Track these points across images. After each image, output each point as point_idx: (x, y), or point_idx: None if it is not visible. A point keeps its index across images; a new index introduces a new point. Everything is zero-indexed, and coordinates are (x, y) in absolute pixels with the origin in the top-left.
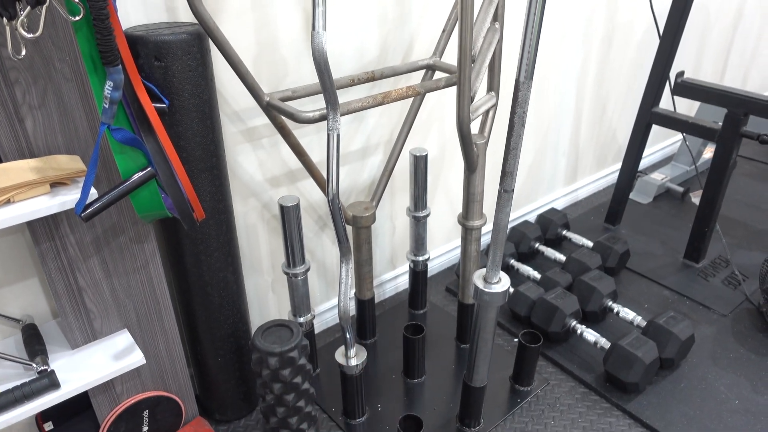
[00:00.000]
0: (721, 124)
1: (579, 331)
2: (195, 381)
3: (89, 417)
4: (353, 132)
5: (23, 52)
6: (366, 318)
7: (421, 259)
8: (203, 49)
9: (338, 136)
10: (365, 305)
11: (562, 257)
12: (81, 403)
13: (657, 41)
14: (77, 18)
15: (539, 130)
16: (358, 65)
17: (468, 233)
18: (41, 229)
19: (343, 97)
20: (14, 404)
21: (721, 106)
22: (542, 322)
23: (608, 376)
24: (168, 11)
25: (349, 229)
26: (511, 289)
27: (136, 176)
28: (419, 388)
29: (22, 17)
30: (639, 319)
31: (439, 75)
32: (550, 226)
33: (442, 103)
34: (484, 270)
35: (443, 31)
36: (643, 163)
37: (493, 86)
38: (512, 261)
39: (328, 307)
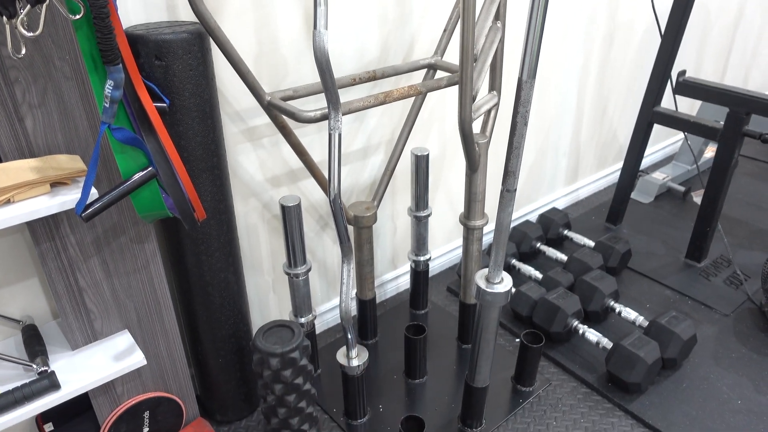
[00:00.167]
0: (722, 123)
1: (581, 331)
2: (196, 381)
3: (90, 418)
4: (354, 132)
5: (23, 51)
6: (367, 318)
7: (422, 258)
8: (204, 49)
9: (340, 135)
10: (366, 305)
11: (563, 257)
12: (82, 404)
13: (658, 40)
14: (77, 16)
15: (540, 129)
16: (360, 65)
17: (470, 233)
18: (41, 229)
19: (345, 96)
20: (14, 405)
21: (723, 105)
22: (544, 322)
23: (610, 377)
24: (168, 10)
25: (350, 229)
26: (513, 289)
27: (136, 176)
28: (421, 389)
29: (21, 16)
30: (641, 319)
31: (440, 74)
32: (552, 226)
33: (443, 103)
34: (486, 270)
35: (444, 30)
36: (645, 163)
37: (494, 86)
38: (514, 261)
39: (330, 307)
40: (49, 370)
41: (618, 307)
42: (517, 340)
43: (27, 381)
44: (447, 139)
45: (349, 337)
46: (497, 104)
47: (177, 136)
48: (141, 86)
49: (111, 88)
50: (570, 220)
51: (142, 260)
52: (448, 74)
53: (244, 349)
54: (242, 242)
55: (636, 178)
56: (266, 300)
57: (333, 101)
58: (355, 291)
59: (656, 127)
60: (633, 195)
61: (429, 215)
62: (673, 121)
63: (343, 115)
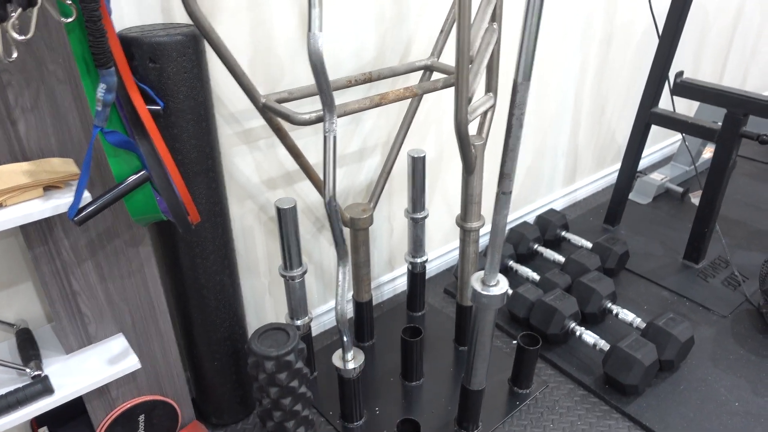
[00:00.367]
0: (720, 124)
1: (578, 333)
2: (191, 385)
3: (85, 422)
4: (351, 134)
5: (15, 54)
6: (364, 320)
7: (419, 260)
8: (198, 51)
9: (335, 137)
10: (363, 307)
11: (561, 258)
12: (77, 408)
13: (656, 41)
14: (69, 20)
15: (538, 130)
16: (356, 66)
17: (466, 235)
18: (35, 233)
19: (341, 98)
20: (7, 410)
21: (720, 106)
22: (541, 324)
23: (607, 379)
24: (163, 12)
25: (346, 231)
26: (510, 291)
27: (129, 179)
28: (417, 391)
29: (13, 19)
30: (638, 321)
31: (437, 76)
32: (549, 227)
33: (440, 104)
34: (482, 272)
35: (441, 31)
36: (643, 163)
37: (491, 87)
38: (511, 262)
39: (326, 309)
40: (42, 375)
41: (615, 308)
42: (514, 342)
43: (20, 385)
44: (444, 141)
45: (345, 339)
46: (494, 106)
47: (171, 138)
48: (134, 89)
49: (103, 91)
50: (568, 221)
51: (136, 264)
52: (444, 76)
53: (239, 351)
54: (238, 244)
55: (634, 179)
56: (262, 302)
57: (328, 103)
58: (351, 293)
59: (655, 128)
60: (631, 196)
61: (426, 217)
62: (671, 122)
63: (338, 117)
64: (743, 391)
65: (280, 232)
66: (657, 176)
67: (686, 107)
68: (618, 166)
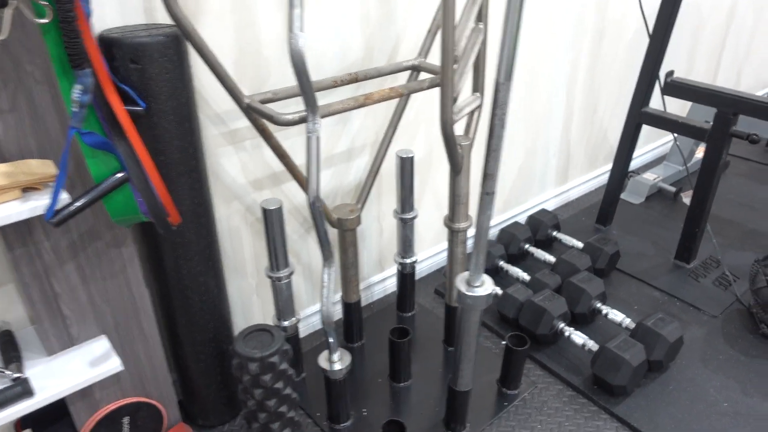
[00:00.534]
0: (711, 123)
1: (567, 334)
2: (178, 386)
3: (69, 423)
4: (339, 134)
5: None
6: (353, 321)
7: (408, 261)
8: (181, 51)
9: (318, 138)
10: (351, 308)
11: (552, 259)
12: (62, 409)
13: (648, 40)
14: (45, 21)
15: (529, 130)
16: (342, 66)
17: (454, 236)
18: (14, 235)
19: (327, 98)
20: None
21: (710, 105)
22: (530, 325)
23: (596, 379)
24: (146, 13)
25: (334, 231)
26: (500, 291)
27: (108, 181)
28: (406, 392)
29: None
30: (628, 321)
31: (424, 76)
32: (541, 227)
33: (429, 104)
34: (467, 273)
35: (428, 31)
36: (636, 163)
37: (478, 87)
38: (501, 263)
39: (315, 310)
40: (23, 377)
41: (605, 309)
42: (503, 342)
43: (0, 387)
44: (434, 141)
45: (331, 340)
46: (480, 106)
47: (153, 139)
48: (111, 90)
49: (79, 92)
50: (560, 221)
51: (119, 265)
52: (431, 76)
53: (225, 353)
54: (225, 245)
55: (626, 178)
56: (250, 303)
57: (310, 104)
58: (340, 294)
59: (648, 128)
60: (624, 196)
61: (415, 217)
62: (662, 121)
63: (322, 117)
64: (732, 391)
65: (266, 232)
66: (650, 176)
67: (680, 106)
68: (611, 165)
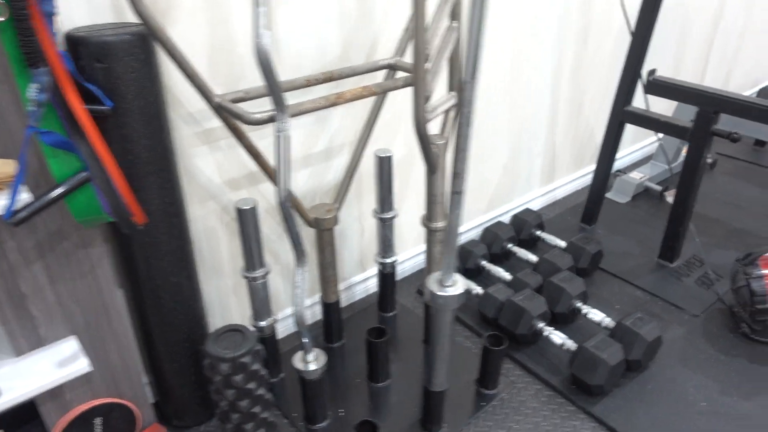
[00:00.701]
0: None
1: (546, 334)
2: (153, 387)
3: (41, 424)
4: (317, 133)
5: None
6: (332, 321)
7: (388, 261)
8: (148, 50)
9: (287, 137)
10: (330, 308)
11: (534, 258)
12: (34, 410)
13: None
14: (1, 19)
15: (513, 129)
16: (321, 65)
17: (431, 235)
18: None
19: (303, 98)
20: None
21: (691, 104)
22: (510, 325)
23: (574, 379)
24: (115, 11)
25: (311, 231)
26: (481, 291)
27: (69, 180)
28: (384, 392)
29: None
30: (608, 321)
31: (402, 75)
32: (524, 227)
33: (408, 103)
34: (439, 273)
35: (405, 30)
36: (623, 162)
37: (453, 86)
38: (484, 262)
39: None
40: None
41: (585, 308)
42: None
43: None
44: (414, 140)
45: (305, 341)
46: (456, 104)
47: (121, 138)
48: (70, 89)
49: (36, 91)
50: (545, 220)
51: (87, 265)
52: (407, 75)
53: (199, 353)
54: (201, 245)
55: (609, 177)
56: (227, 303)
57: (278, 103)
58: (319, 294)
59: (637, 127)
60: (610, 195)
61: (394, 217)
62: (644, 120)
63: (292, 116)
64: (711, 390)
65: (241, 232)
66: (636, 175)
67: (667, 106)
68: None
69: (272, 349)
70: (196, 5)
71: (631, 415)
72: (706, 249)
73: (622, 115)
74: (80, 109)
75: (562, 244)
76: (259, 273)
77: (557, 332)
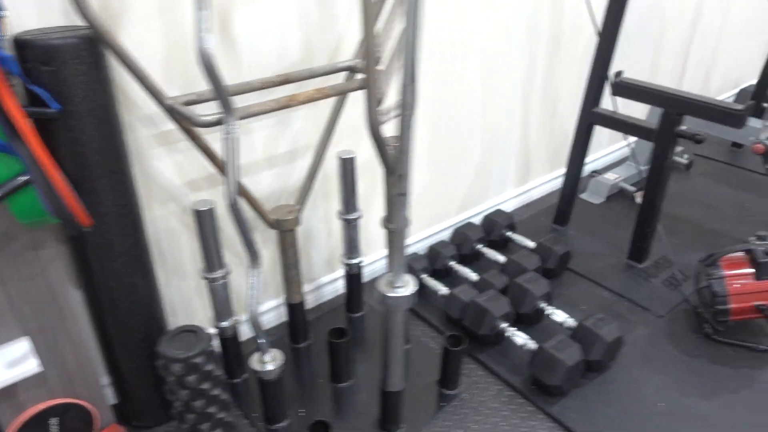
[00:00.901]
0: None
1: (509, 334)
2: (113, 387)
3: None
4: (281, 135)
5: None
6: (297, 322)
7: (354, 262)
8: (96, 53)
9: (235, 140)
10: (295, 309)
11: (503, 259)
12: None
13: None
14: None
15: (486, 131)
16: (280, 67)
17: (391, 236)
18: None
19: (267, 99)
20: None
21: (656, 105)
22: (473, 325)
23: (534, 380)
24: (66, 15)
25: (273, 233)
26: (447, 292)
27: (9, 183)
28: (346, 393)
29: None
30: (570, 321)
31: (360, 77)
32: (495, 228)
33: None
34: (390, 274)
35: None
36: (601, 163)
37: None
38: (452, 263)
39: (262, 310)
40: None
41: (550, 309)
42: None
43: None
44: None
45: (262, 341)
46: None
47: (71, 141)
48: (6, 93)
49: None
50: (519, 221)
51: (38, 267)
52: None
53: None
54: (162, 247)
55: (585, 178)
56: (192, 304)
57: (225, 106)
58: (284, 295)
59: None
60: (584, 196)
61: (359, 218)
62: (612, 122)
63: (241, 118)
64: (670, 390)
65: (199, 234)
66: (610, 176)
67: (643, 108)
68: None
69: (235, 350)
70: (151, 9)
71: (589, 415)
72: (676, 250)
73: (590, 117)
74: (17, 113)
75: (532, 244)
76: (218, 274)
77: (520, 333)
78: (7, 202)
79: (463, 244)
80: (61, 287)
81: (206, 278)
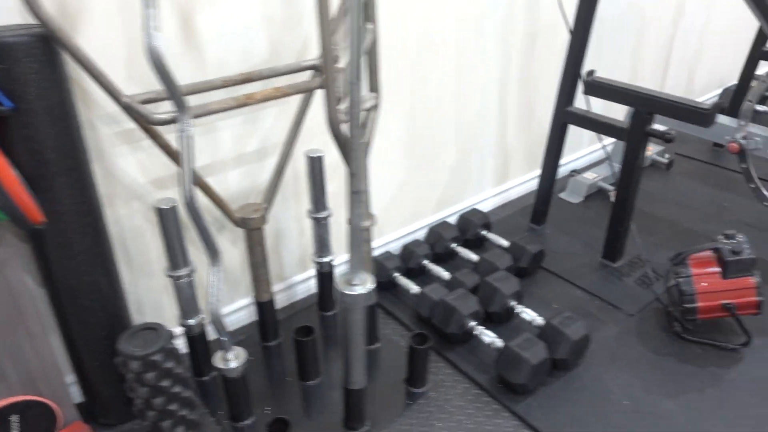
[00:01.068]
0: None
1: (477, 333)
2: (79, 385)
3: None
4: (250, 133)
5: None
6: (267, 320)
7: (325, 260)
8: (50, 52)
9: (189, 138)
10: (264, 307)
11: (476, 258)
12: None
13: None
14: None
15: (461, 131)
16: (246, 66)
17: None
18: None
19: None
20: None
21: (627, 104)
22: (441, 323)
23: (500, 378)
24: (22, 13)
25: (240, 231)
26: (418, 290)
27: None
28: (312, 391)
29: None
30: (539, 320)
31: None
32: (470, 227)
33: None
34: (348, 272)
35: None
36: (582, 162)
37: (374, 86)
38: (425, 262)
39: (232, 309)
40: None
41: (519, 308)
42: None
43: None
44: None
45: (224, 339)
46: (377, 105)
47: (25, 139)
48: None
49: None
50: (496, 221)
51: None
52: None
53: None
54: (128, 245)
55: (564, 178)
56: (159, 302)
57: (179, 104)
58: (253, 294)
59: None
60: (563, 195)
61: (328, 216)
62: (585, 121)
63: (197, 117)
64: (636, 389)
65: (162, 232)
66: (589, 175)
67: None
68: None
69: (203, 348)
70: (110, 6)
71: (553, 414)
72: (651, 249)
73: (564, 116)
74: None
75: (506, 243)
76: (183, 272)
77: (487, 331)
78: None
79: (437, 243)
80: (20, 286)
81: (171, 276)
